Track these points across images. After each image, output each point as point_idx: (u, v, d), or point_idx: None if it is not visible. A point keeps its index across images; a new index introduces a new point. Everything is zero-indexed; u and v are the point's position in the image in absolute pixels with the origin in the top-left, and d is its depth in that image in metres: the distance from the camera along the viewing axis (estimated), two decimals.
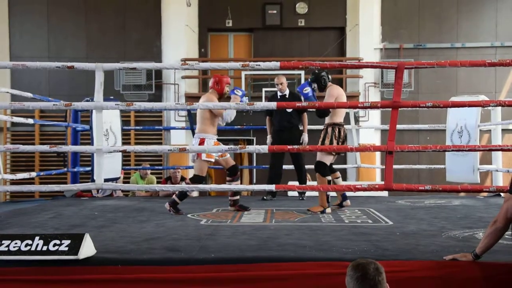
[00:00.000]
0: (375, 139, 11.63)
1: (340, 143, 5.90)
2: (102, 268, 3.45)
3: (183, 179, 8.57)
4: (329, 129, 5.95)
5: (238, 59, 12.27)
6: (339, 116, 5.99)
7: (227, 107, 5.23)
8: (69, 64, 4.59)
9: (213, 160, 5.88)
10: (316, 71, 5.99)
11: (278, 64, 4.57)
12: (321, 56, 12.06)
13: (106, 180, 6.51)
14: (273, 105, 4.98)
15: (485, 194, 7.74)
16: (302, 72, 11.39)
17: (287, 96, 7.29)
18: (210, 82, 6.00)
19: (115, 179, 7.57)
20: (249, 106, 4.87)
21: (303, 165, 7.39)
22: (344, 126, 6.05)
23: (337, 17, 12.72)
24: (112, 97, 7.85)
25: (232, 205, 6.10)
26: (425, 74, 11.98)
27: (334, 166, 6.42)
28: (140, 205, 6.70)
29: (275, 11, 12.63)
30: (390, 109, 4.60)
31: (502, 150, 6.16)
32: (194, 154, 5.88)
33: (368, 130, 11.50)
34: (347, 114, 7.31)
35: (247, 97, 6.16)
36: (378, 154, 11.55)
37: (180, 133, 11.54)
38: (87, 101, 6.42)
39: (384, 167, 4.61)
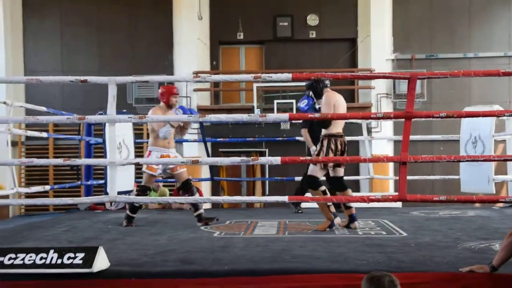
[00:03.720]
0: (387, 150, 11.55)
1: (338, 155, 5.53)
2: (115, 281, 3.45)
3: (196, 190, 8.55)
4: (325, 142, 5.54)
5: (249, 71, 12.29)
6: (335, 126, 5.56)
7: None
8: (83, 78, 4.62)
9: (155, 173, 6.07)
10: (308, 83, 5.71)
11: (290, 75, 4.56)
12: (333, 67, 12.04)
13: (119, 193, 6.55)
14: (285, 117, 4.97)
15: (501, 204, 7.66)
16: None
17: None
18: (158, 94, 6.13)
19: (128, 192, 7.60)
20: (261, 118, 4.86)
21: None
22: (344, 136, 5.66)
23: (348, 29, 12.71)
24: (125, 110, 7.90)
25: (198, 220, 5.98)
26: (437, 85, 11.92)
27: (346, 178, 6.32)
28: (153, 218, 6.71)
29: (286, 23, 12.65)
30: (403, 119, 4.58)
31: None
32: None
33: (381, 141, 11.42)
34: (359, 125, 7.26)
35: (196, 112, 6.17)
36: (391, 165, 11.47)
37: (192, 146, 11.54)
38: (100, 114, 6.47)
39: (397, 178, 4.58)
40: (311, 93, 5.70)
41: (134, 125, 8.41)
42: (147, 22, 12.57)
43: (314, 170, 5.58)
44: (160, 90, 6.06)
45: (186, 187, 6.08)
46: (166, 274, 3.53)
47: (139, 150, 11.27)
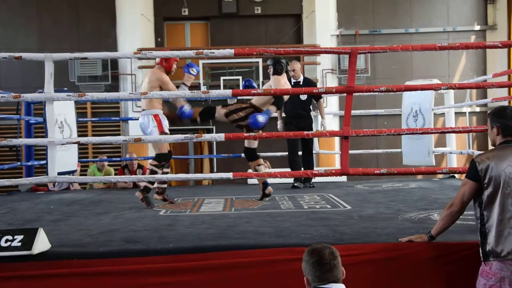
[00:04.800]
0: (334, 125, 11.72)
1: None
2: (57, 262, 3.38)
3: (140, 166, 8.48)
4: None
5: (194, 47, 12.16)
6: None
7: (181, 95, 5.10)
8: (17, 54, 4.44)
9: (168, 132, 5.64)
10: (276, 56, 5.93)
11: (232, 51, 4.53)
12: (278, 43, 12.07)
13: (62, 173, 6.40)
14: (228, 93, 4.95)
15: (441, 176, 7.92)
16: (260, 60, 11.36)
17: (301, 83, 7.12)
18: (157, 59, 5.68)
19: (71, 172, 7.43)
20: (204, 94, 4.82)
21: (310, 149, 7.38)
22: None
23: (293, 4, 12.73)
24: (65, 89, 7.68)
25: (160, 193, 5.81)
26: (381, 60, 12.14)
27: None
28: (98, 198, 6.60)
29: None
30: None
31: (454, 132, 6.31)
32: (151, 131, 5.58)
33: (327, 116, 11.53)
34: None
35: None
36: (337, 140, 11.67)
37: (138, 124, 11.36)
38: (39, 93, 6.26)
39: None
40: (270, 68, 5.99)
41: (77, 104, 8.20)
42: None
43: (252, 143, 5.96)
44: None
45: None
46: (110, 254, 3.48)
47: (83, 130, 11.06)
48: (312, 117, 7.40)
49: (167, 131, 5.59)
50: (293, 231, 4.01)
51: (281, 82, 5.92)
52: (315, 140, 8.83)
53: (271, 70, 6.02)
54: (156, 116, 5.60)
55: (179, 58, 5.13)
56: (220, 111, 5.87)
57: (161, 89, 5.52)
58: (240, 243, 3.66)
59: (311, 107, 7.32)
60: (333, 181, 7.67)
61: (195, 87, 11.06)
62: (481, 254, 3.09)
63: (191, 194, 6.77)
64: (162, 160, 5.64)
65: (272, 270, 3.41)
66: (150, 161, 5.76)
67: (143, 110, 5.71)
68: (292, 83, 7.16)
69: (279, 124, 7.33)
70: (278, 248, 3.49)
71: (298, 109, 7.14)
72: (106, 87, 11.76)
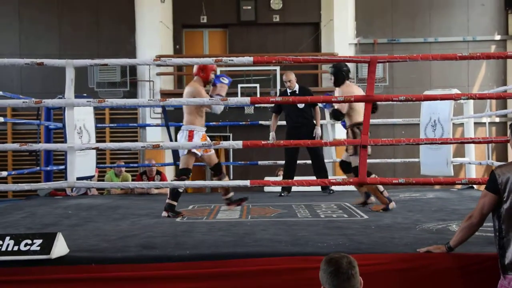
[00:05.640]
0: (342, 134, 11.65)
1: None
2: (75, 267, 3.40)
3: (158, 173, 8.51)
4: (356, 130, 5.54)
5: (213, 55, 12.21)
6: (359, 115, 5.48)
7: (200, 102, 5.12)
8: (39, 60, 4.50)
9: (199, 154, 5.56)
10: (337, 64, 5.73)
11: (251, 59, 4.54)
12: (296, 51, 12.07)
13: (80, 179, 6.45)
14: (246, 100, 4.95)
15: (459, 186, 7.84)
16: (278, 68, 11.38)
17: (297, 92, 7.20)
18: (195, 69, 5.61)
19: (89, 178, 7.49)
20: (223, 101, 4.83)
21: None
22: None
23: (311, 13, 12.74)
24: (85, 94, 7.75)
25: (229, 204, 5.79)
26: (399, 69, 12.08)
27: (308, 162, 6.35)
28: (115, 203, 6.64)
29: (249, 7, 12.60)
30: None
31: (473, 142, 6.25)
32: (183, 150, 5.51)
33: (338, 124, 11.51)
34: (322, 109, 7.31)
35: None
36: None
37: (155, 130, 11.45)
38: (59, 98, 6.33)
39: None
40: (332, 77, 5.77)
41: (95, 109, 8.27)
42: (108, 6, 12.34)
43: (356, 160, 5.32)
44: (201, 65, 5.55)
45: (219, 169, 5.75)
46: (127, 260, 3.49)
47: (101, 135, 11.14)
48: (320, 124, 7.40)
49: (194, 150, 5.48)
50: (309, 240, 3.99)
51: (350, 90, 5.63)
52: (332, 148, 8.81)
53: (332, 79, 5.81)
54: (190, 132, 5.55)
55: (198, 65, 5.14)
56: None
57: None
58: (256, 251, 3.65)
59: (312, 114, 7.35)
60: (349, 190, 7.63)
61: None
62: (500, 267, 3.05)
63: (207, 201, 6.78)
64: (182, 174, 5.54)
65: (289, 278, 3.40)
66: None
67: (183, 125, 5.67)
68: (289, 93, 7.24)
69: (272, 135, 7.39)
70: (295, 257, 3.48)
71: (298, 117, 7.24)
72: (125, 93, 11.85)
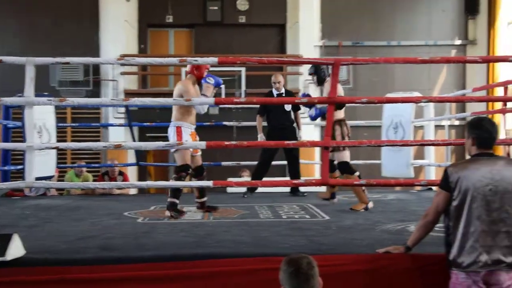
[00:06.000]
0: (315, 136, 11.75)
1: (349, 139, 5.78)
2: (31, 269, 3.32)
3: (121, 173, 8.42)
4: (337, 126, 5.71)
5: (178, 55, 12.13)
6: (342, 111, 5.82)
7: (164, 102, 5.07)
8: None
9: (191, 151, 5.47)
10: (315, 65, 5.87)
11: (216, 59, 4.52)
12: (262, 53, 12.09)
13: (39, 179, 6.30)
14: (210, 101, 4.94)
15: (419, 188, 7.98)
16: (243, 69, 11.38)
17: (283, 95, 7.24)
18: (188, 67, 5.58)
19: (49, 178, 7.33)
20: (187, 102, 4.80)
21: (299, 160, 7.42)
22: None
23: (277, 14, 12.78)
24: (46, 93, 7.58)
25: (200, 207, 5.69)
26: (363, 72, 12.21)
27: (273, 163, 6.39)
28: (75, 204, 6.54)
29: (216, 7, 12.56)
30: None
31: (433, 145, 6.38)
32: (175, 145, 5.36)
33: (308, 126, 11.58)
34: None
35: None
36: (317, 150, 11.69)
37: (118, 130, 11.29)
38: (18, 97, 6.18)
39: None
40: (314, 77, 5.92)
41: (57, 108, 8.12)
42: (71, 3, 12.12)
43: (342, 156, 5.71)
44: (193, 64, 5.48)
45: (201, 172, 5.68)
46: (86, 261, 3.43)
47: (62, 135, 10.94)
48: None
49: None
50: (271, 241, 4.01)
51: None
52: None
53: (314, 79, 5.96)
54: (178, 128, 5.48)
55: (163, 65, 5.10)
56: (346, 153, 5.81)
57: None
58: (218, 252, 3.64)
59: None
60: (312, 191, 7.67)
61: None
62: (446, 264, 3.13)
63: None
64: (181, 171, 5.43)
65: (250, 279, 3.40)
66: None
67: (172, 121, 5.59)
68: (275, 95, 7.25)
69: (260, 137, 7.34)
70: (256, 258, 3.48)
71: (283, 120, 7.26)
72: (87, 92, 11.65)
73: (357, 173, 5.81)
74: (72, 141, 11.20)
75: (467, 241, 3.03)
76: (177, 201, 5.33)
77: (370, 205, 5.74)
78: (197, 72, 5.51)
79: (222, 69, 11.19)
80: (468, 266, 3.01)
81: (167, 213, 5.30)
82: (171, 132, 5.50)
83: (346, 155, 5.77)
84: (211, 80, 5.50)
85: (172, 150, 5.48)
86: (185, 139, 5.42)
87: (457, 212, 3.08)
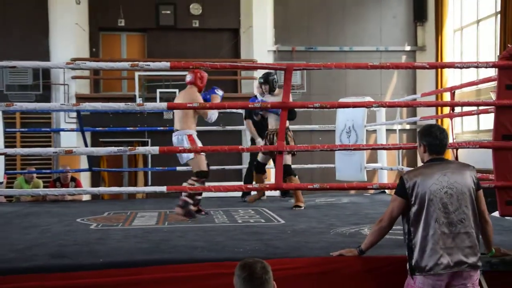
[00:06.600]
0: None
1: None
2: None
3: (73, 179, 8.26)
4: (289, 132, 6.27)
5: (130, 59, 11.97)
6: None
7: (116, 107, 4.96)
8: None
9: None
10: (265, 74, 6.32)
11: (168, 64, 4.49)
12: (216, 57, 12.08)
13: None
14: (163, 106, 4.90)
15: (372, 191, 8.12)
16: None
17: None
18: (191, 77, 5.71)
19: None
20: (139, 107, 4.75)
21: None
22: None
23: (231, 19, 12.79)
24: None
25: (195, 204, 5.75)
26: (317, 77, 12.35)
27: (228, 168, 6.48)
28: (25, 211, 6.37)
29: (168, 12, 12.46)
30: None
31: (384, 148, 6.51)
32: (188, 154, 5.51)
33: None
34: (241, 115, 7.36)
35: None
36: None
37: (70, 135, 11.06)
38: None
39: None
40: (266, 87, 6.38)
41: (5, 113, 7.89)
42: (18, 5, 11.80)
43: (288, 159, 6.20)
44: (196, 74, 5.66)
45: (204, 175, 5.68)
46: (35, 269, 3.35)
47: (11, 140, 10.64)
48: None
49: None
50: (226, 246, 4.00)
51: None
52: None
53: (267, 88, 6.35)
54: (190, 136, 5.57)
55: (114, 69, 5.03)
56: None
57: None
58: (172, 257, 3.62)
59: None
60: (267, 195, 7.71)
61: (130, 99, 10.90)
62: (408, 268, 3.18)
63: (124, 207, 6.64)
64: (202, 176, 5.56)
65: (205, 284, 3.39)
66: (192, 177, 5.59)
67: (176, 130, 5.67)
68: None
69: (259, 140, 7.19)
70: (211, 263, 3.48)
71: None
72: (37, 97, 11.36)
73: (297, 176, 6.41)
74: (22, 146, 10.90)
75: (427, 245, 3.09)
76: (192, 202, 5.55)
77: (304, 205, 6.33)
78: (201, 84, 5.74)
79: (175, 74, 11.12)
80: (431, 269, 3.06)
81: (178, 210, 5.48)
82: (182, 140, 5.59)
83: (288, 158, 6.21)
84: (220, 92, 5.81)
85: (189, 158, 5.58)
86: (199, 145, 5.51)
87: (417, 217, 3.14)
